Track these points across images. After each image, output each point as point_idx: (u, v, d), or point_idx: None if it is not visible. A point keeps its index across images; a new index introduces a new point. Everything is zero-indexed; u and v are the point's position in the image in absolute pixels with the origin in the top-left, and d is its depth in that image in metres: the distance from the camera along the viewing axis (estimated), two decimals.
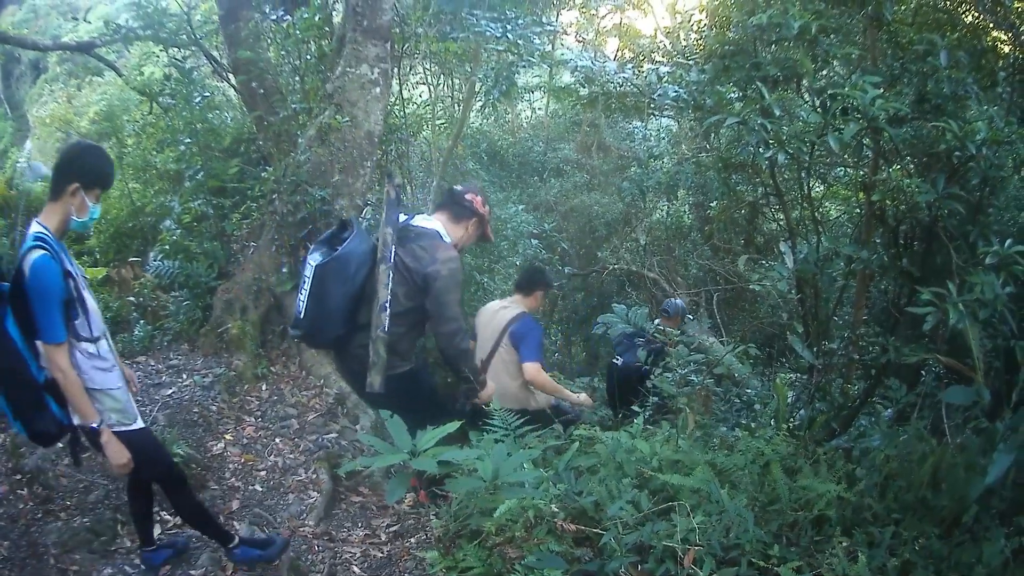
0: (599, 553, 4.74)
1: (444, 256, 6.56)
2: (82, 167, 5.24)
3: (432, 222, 6.97)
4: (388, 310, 6.42)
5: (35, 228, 5.08)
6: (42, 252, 4.95)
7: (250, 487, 7.51)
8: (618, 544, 4.48)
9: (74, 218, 5.21)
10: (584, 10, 22.99)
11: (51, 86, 41.81)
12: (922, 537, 4.79)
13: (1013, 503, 4.80)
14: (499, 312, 8.46)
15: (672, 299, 11.89)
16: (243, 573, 6.13)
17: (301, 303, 6.59)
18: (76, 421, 5.30)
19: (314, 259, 6.62)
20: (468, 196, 7.13)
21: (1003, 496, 4.80)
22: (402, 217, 6.90)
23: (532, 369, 8.12)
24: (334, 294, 6.49)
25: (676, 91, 8.52)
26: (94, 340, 5.31)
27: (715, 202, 14.31)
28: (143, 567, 6.19)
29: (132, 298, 11.16)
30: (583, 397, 8.53)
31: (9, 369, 5.08)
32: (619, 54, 22.02)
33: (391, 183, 6.79)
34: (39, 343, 5.07)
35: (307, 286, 6.56)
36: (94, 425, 5.23)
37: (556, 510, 4.84)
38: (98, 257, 13.23)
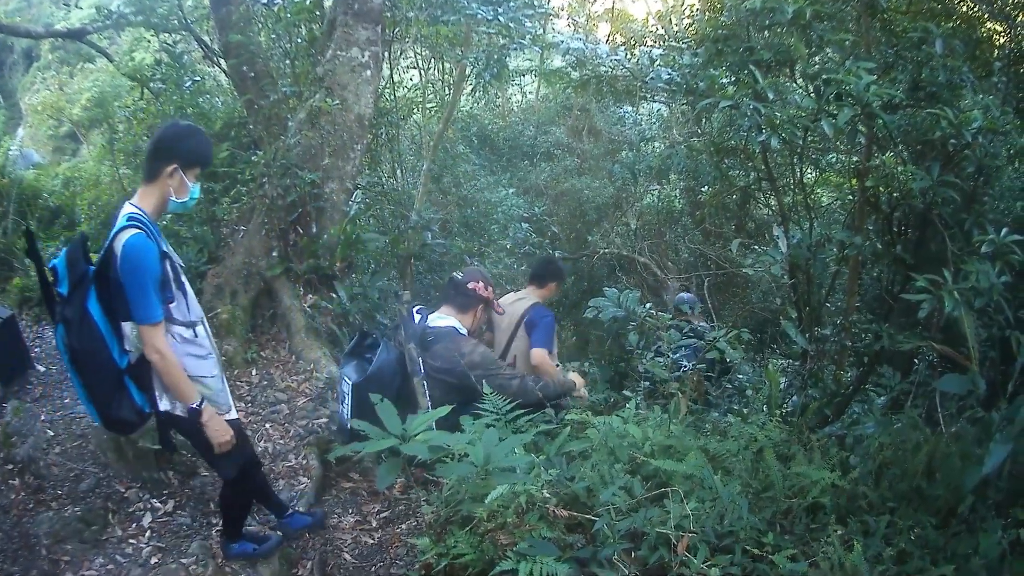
0: (592, 539, 4.74)
1: (468, 348, 7.22)
2: (180, 148, 5.24)
3: (446, 319, 7.55)
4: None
5: (128, 209, 5.07)
6: (136, 231, 4.92)
7: None
8: (611, 531, 4.49)
9: (173, 199, 5.25)
10: None
11: (43, 74, 41.87)
12: (918, 527, 4.79)
13: (1010, 493, 4.78)
14: (515, 303, 8.59)
15: (683, 295, 12.01)
16: (238, 562, 6.10)
17: (346, 416, 7.25)
18: (163, 407, 5.28)
19: (348, 374, 7.30)
20: (470, 286, 7.69)
21: (999, 486, 4.78)
22: (417, 318, 7.57)
23: (539, 354, 8.15)
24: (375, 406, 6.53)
25: (669, 74, 8.50)
26: (190, 325, 5.33)
27: (706, 187, 14.27)
28: (283, 535, 6.43)
29: None
30: (579, 384, 8.31)
31: (90, 351, 5.02)
32: (610, 38, 21.96)
33: (401, 302, 7.78)
34: (135, 325, 5.02)
35: (348, 401, 7.22)
36: (193, 406, 5.22)
37: (548, 496, 4.82)
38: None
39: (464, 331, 7.56)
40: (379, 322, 9.71)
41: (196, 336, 5.35)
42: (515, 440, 5.09)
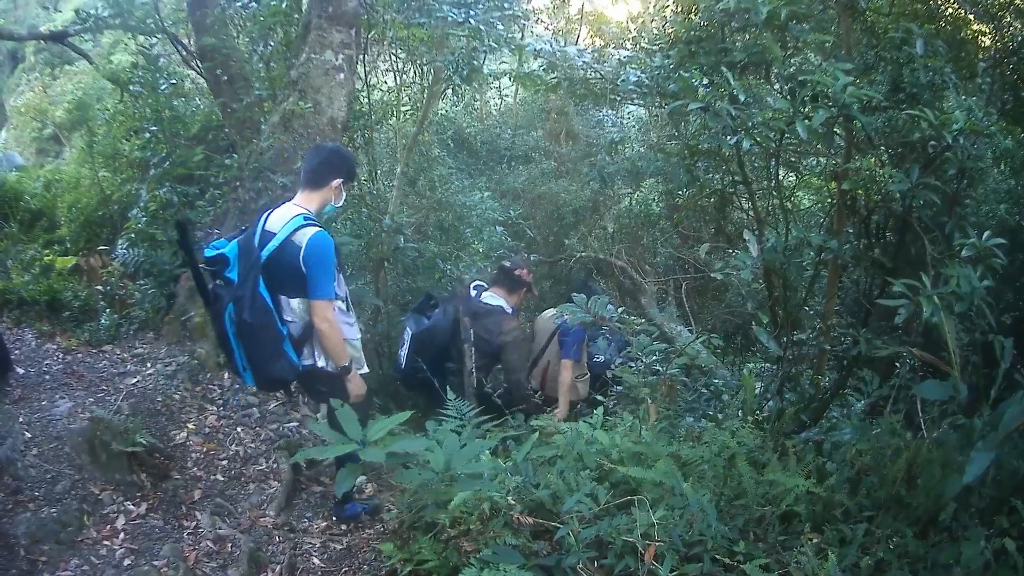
0: (557, 547, 4.74)
1: (508, 328, 8.85)
2: (345, 166, 6.70)
3: (496, 300, 9.15)
4: (475, 373, 8.63)
5: (296, 211, 6.37)
6: (319, 228, 6.27)
7: (212, 476, 7.51)
8: (575, 538, 4.47)
9: (331, 205, 6.67)
10: None
11: (28, 75, 41.70)
12: (896, 535, 4.71)
13: (993, 501, 4.70)
14: (553, 318, 9.76)
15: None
16: (205, 563, 6.18)
17: (403, 358, 8.95)
18: (320, 364, 6.54)
19: (410, 325, 9.03)
20: (518, 272, 9.32)
21: (983, 494, 4.70)
22: (473, 293, 9.23)
23: (565, 363, 9.42)
24: (428, 353, 8.61)
25: (638, 76, 8.49)
26: (344, 299, 6.65)
27: (683, 190, 14.19)
28: (336, 519, 7.16)
29: (100, 287, 11.23)
30: (563, 413, 9.34)
31: (262, 323, 6.10)
32: (580, 40, 21.63)
33: (464, 283, 9.31)
34: (303, 300, 6.32)
35: (406, 347, 8.94)
36: (345, 364, 6.49)
37: (513, 503, 4.79)
38: (69, 246, 13.22)
39: (510, 309, 9.15)
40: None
41: (348, 308, 6.74)
42: (478, 446, 5.12)
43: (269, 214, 6.49)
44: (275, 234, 6.24)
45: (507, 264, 9.58)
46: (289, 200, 6.66)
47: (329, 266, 6.26)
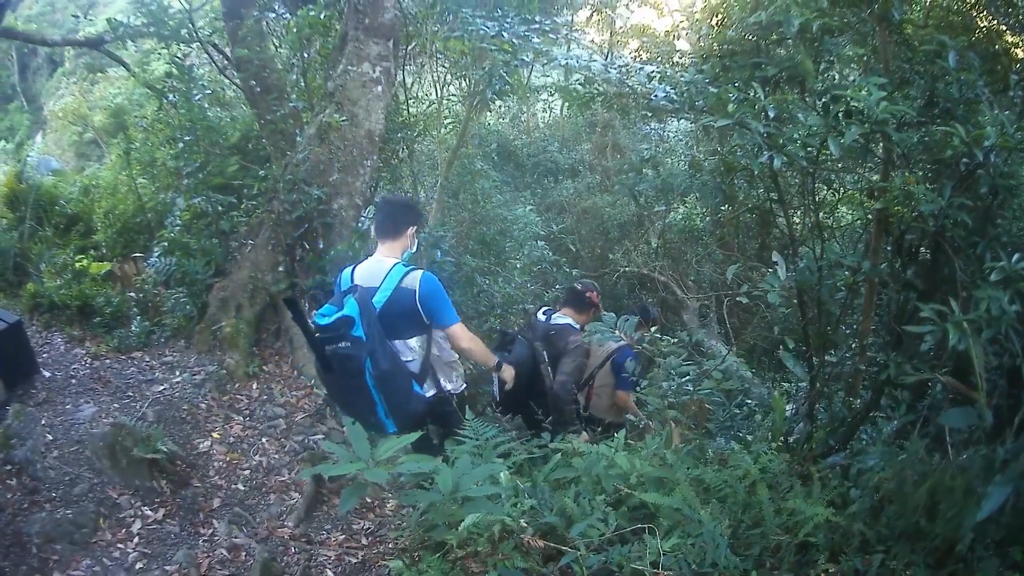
0: (565, 572, 4.62)
1: (571, 339, 9.08)
2: (418, 215, 7.48)
3: (565, 319, 9.40)
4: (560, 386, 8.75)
5: (390, 262, 6.91)
6: (421, 270, 6.88)
7: (232, 486, 7.53)
8: (580, 565, 4.37)
9: (408, 250, 7.19)
10: (602, 10, 22.79)
11: (67, 80, 41.89)
12: (911, 567, 4.59)
13: (1011, 530, 4.57)
14: (608, 342, 9.44)
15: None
16: (218, 570, 6.22)
17: (496, 391, 8.70)
18: (448, 387, 7.18)
19: None
20: (588, 295, 9.56)
21: (1001, 522, 4.58)
22: (543, 317, 9.58)
23: (622, 397, 9.54)
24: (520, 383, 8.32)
25: (666, 91, 8.43)
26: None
27: (725, 206, 14.08)
28: None
29: (132, 294, 11.25)
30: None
31: (396, 369, 6.56)
32: (627, 53, 21.65)
33: (533, 314, 9.93)
34: (420, 337, 6.96)
35: (496, 383, 8.61)
36: (494, 363, 7.63)
37: (524, 525, 4.70)
38: (105, 251, 13.40)
39: (578, 327, 9.31)
40: None
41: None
42: (489, 468, 5.02)
43: (353, 270, 7.06)
44: (376, 287, 6.76)
45: (578, 287, 9.83)
46: (369, 256, 7.20)
47: (446, 296, 6.94)
